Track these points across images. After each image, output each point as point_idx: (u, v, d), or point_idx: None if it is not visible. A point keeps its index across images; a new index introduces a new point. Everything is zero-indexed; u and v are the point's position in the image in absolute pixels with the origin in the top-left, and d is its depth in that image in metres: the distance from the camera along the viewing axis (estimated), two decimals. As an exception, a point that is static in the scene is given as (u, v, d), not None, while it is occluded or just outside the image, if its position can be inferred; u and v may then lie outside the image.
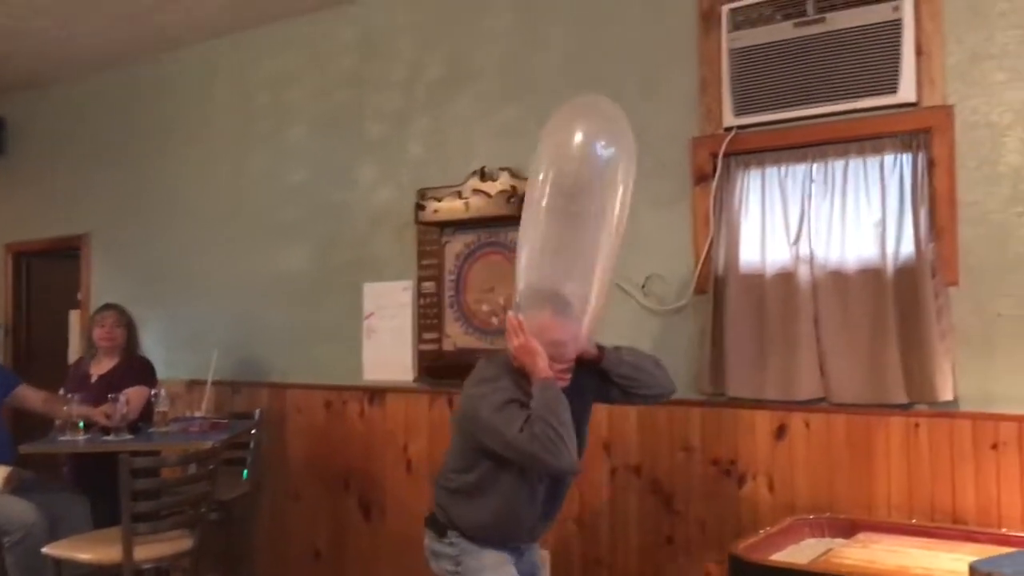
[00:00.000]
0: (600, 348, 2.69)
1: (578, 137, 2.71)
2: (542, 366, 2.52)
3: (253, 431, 4.51)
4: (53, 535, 3.76)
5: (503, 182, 3.95)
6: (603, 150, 2.70)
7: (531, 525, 2.71)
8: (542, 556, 3.08)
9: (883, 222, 3.13)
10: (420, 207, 4.13)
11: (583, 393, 2.69)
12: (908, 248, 3.08)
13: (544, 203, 2.65)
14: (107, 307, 4.50)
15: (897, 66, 3.07)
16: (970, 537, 2.81)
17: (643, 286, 3.61)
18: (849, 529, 2.96)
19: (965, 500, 2.95)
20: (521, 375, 2.57)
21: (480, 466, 2.62)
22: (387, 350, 4.37)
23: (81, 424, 3.85)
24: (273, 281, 4.83)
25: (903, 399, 3.05)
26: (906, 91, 3.06)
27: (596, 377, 2.72)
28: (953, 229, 3.02)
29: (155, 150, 5.44)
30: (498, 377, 2.60)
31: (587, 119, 2.77)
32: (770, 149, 3.33)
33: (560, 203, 2.62)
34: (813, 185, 3.26)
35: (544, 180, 2.67)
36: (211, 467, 3.65)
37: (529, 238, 2.69)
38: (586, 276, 2.61)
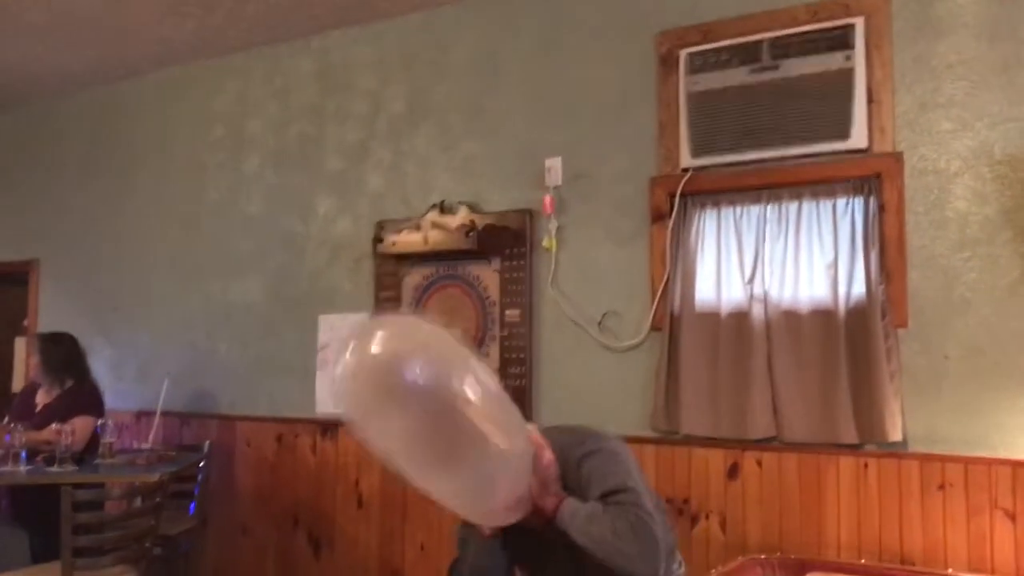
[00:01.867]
0: (560, 502, 2.01)
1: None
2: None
3: (201, 464, 4.42)
4: (-11, 569, 3.64)
5: (462, 216, 3.96)
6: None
7: None
8: None
9: (835, 264, 3.19)
10: (379, 239, 4.12)
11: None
12: (859, 289, 3.14)
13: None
14: (33, 336, 4.43)
15: (849, 113, 3.15)
16: (918, 577, 2.85)
17: (599, 322, 3.63)
18: (799, 569, 2.97)
19: (912, 540, 2.99)
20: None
21: None
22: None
23: (23, 454, 3.75)
24: (226, 312, 4.77)
25: (854, 439, 3.09)
26: (858, 137, 3.14)
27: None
28: (902, 272, 3.09)
29: (110, 178, 5.37)
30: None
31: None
32: (726, 190, 3.39)
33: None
34: (767, 226, 3.32)
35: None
36: (157, 500, 3.57)
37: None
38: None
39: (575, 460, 2.07)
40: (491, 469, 1.89)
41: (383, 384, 1.86)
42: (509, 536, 2.10)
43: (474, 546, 2.15)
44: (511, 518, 2.02)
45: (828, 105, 3.18)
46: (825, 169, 3.21)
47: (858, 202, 3.17)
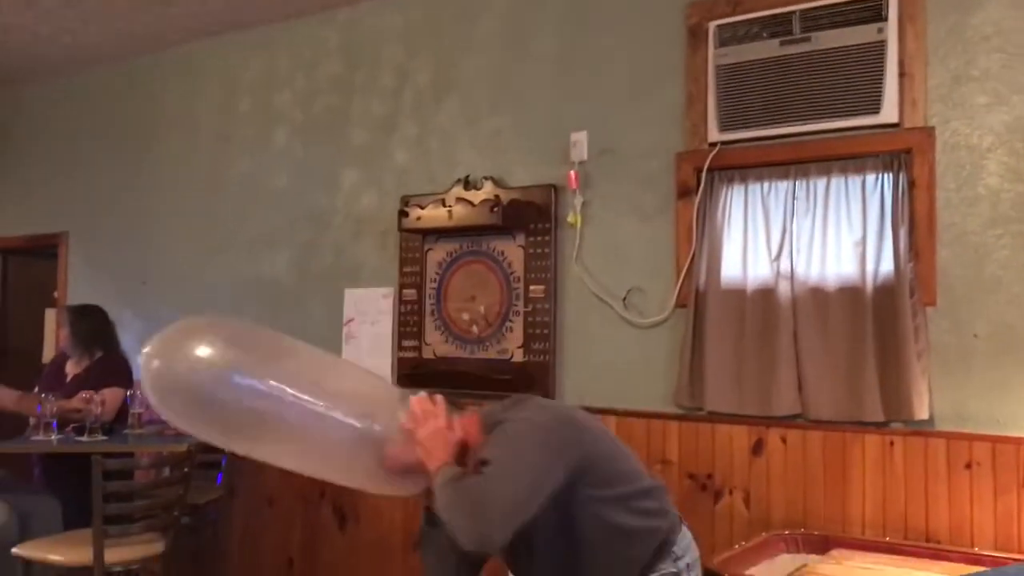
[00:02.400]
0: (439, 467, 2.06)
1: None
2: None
3: (229, 435, 4.47)
4: (23, 536, 3.71)
5: (487, 191, 3.95)
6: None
7: None
8: None
9: (863, 241, 3.15)
10: (403, 214, 4.12)
11: None
12: (887, 267, 3.10)
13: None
14: (64, 308, 4.49)
15: (880, 87, 3.10)
16: (942, 556, 2.83)
17: (624, 299, 3.62)
18: (823, 545, 2.97)
19: (938, 519, 2.97)
20: None
21: None
22: (366, 357, 4.35)
23: (55, 424, 3.81)
24: (253, 285, 4.81)
25: (879, 417, 3.07)
26: (888, 112, 3.09)
27: None
28: (932, 249, 3.05)
29: (137, 151, 5.41)
30: None
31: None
32: (754, 165, 3.36)
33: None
34: (795, 202, 3.29)
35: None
36: (185, 470, 3.62)
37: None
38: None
39: (490, 428, 2.12)
40: (326, 441, 2.13)
41: (180, 397, 2.11)
42: None
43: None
44: (412, 487, 2.16)
45: (859, 78, 3.13)
46: (855, 144, 3.17)
47: (888, 178, 3.13)
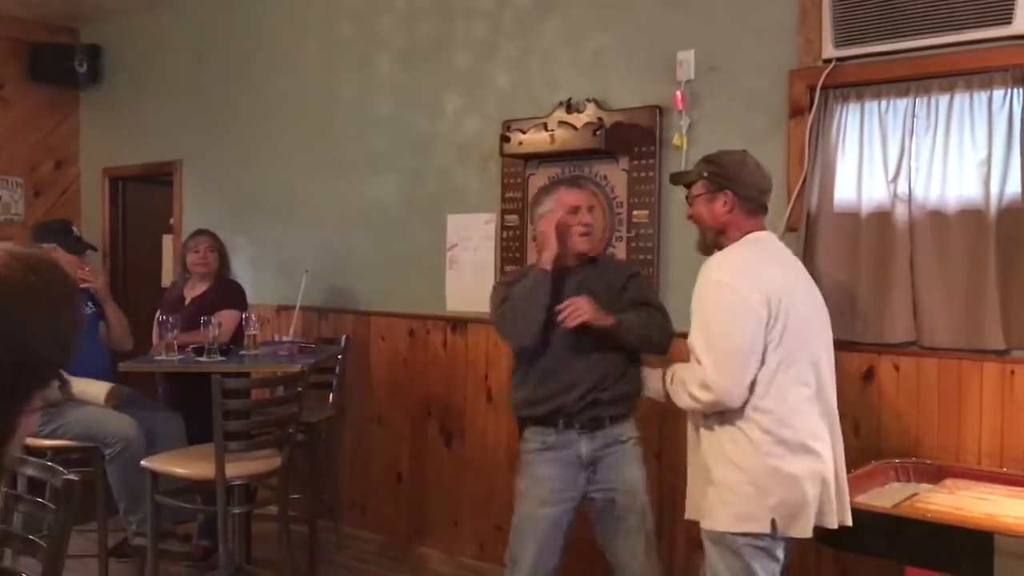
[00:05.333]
0: (616, 323, 2.91)
1: None
2: (543, 258, 3.00)
3: (339, 356, 4.62)
4: (150, 450, 3.93)
5: (589, 114, 3.89)
6: None
7: (570, 405, 2.97)
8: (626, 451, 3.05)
9: (988, 161, 3.00)
10: (505, 139, 4.09)
11: (599, 288, 3.02)
12: (1014, 188, 2.96)
13: None
14: (199, 233, 4.62)
15: (1013, -6, 2.90)
16: (1064, 488, 2.74)
17: (731, 223, 3.53)
18: (936, 475, 2.91)
19: (1061, 450, 2.86)
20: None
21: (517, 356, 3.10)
22: (469, 282, 4.40)
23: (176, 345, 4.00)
24: (360, 210, 4.89)
25: (1000, 345, 2.96)
26: (1021, 22, 2.89)
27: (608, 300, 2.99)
28: (1064, 169, 2.87)
29: (245, 77, 5.50)
30: (521, 276, 3.12)
31: None
32: (871, 83, 3.21)
33: None
34: (915, 121, 3.13)
35: None
36: (299, 389, 3.75)
37: None
38: None
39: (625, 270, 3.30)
40: None
41: None
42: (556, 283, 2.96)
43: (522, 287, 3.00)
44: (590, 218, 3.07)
45: (988, -13, 2.93)
46: (982, 57, 2.99)
47: (1017, 94, 2.95)
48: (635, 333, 2.94)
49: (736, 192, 2.60)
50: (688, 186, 2.74)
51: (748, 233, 2.63)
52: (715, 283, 2.54)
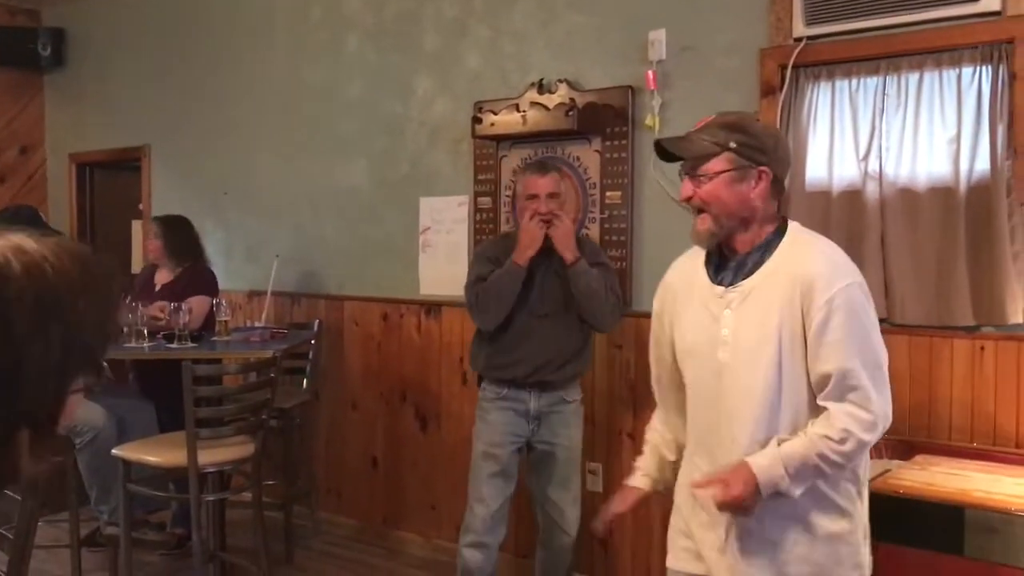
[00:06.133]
0: (577, 258, 3.21)
1: None
2: (524, 255, 3.21)
3: (312, 341, 4.59)
4: (121, 438, 3.89)
5: (561, 95, 3.87)
6: None
7: (520, 376, 3.31)
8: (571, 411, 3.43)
9: (957, 138, 3.01)
10: (477, 120, 4.06)
11: (561, 273, 3.27)
12: (983, 166, 2.97)
13: None
14: (152, 219, 4.58)
15: (981, -28, 2.90)
16: (1033, 462, 2.77)
17: (703, 203, 3.53)
18: (907, 451, 2.93)
19: (1030, 425, 2.89)
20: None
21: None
22: (443, 265, 4.38)
23: (146, 332, 3.94)
24: (331, 194, 4.85)
25: (970, 321, 2.98)
26: (989, -1, 2.91)
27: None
28: (1032, 146, 2.89)
29: (214, 61, 5.43)
30: (502, 251, 3.35)
31: None
32: (842, 61, 3.21)
33: None
34: (885, 99, 3.14)
35: None
36: (271, 375, 3.72)
37: None
38: None
39: (593, 253, 3.38)
40: None
41: None
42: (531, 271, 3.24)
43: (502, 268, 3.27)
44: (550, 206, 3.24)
45: (957, -37, 2.94)
46: (951, 35, 3.00)
47: (986, 71, 2.95)
48: (586, 280, 3.18)
49: (774, 171, 2.04)
50: (696, 160, 2.06)
51: (783, 221, 2.11)
52: (851, 287, 1.95)
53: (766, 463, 1.91)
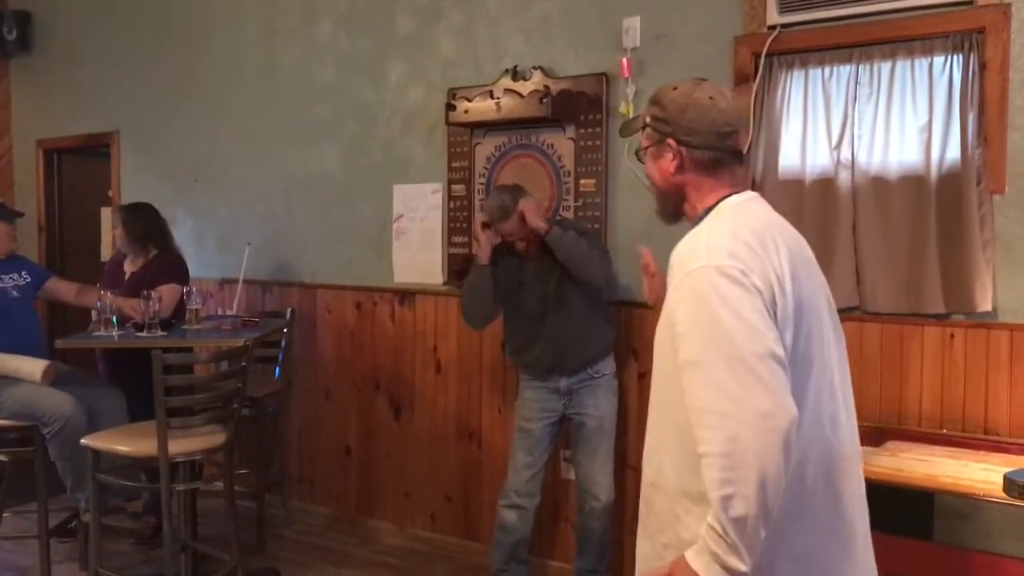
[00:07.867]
0: (549, 225, 3.35)
1: None
2: (483, 254, 3.47)
3: (285, 330, 4.55)
4: (91, 428, 3.84)
5: (536, 82, 3.85)
6: None
7: (540, 362, 3.53)
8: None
9: (929, 127, 3.03)
10: (450, 107, 4.04)
11: (552, 268, 3.42)
12: (953, 154, 2.99)
13: None
14: (115, 208, 4.53)
15: (953, -39, 2.92)
16: (1001, 448, 2.81)
17: (677, 190, 3.53)
18: (878, 438, 2.96)
19: (998, 411, 2.93)
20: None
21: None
22: (416, 253, 4.36)
23: (115, 320, 3.89)
24: (303, 181, 4.80)
25: (940, 309, 3.01)
26: (961, -12, 2.92)
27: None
28: (1002, 135, 2.92)
29: (183, 45, 5.35)
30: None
31: None
32: (815, 49, 3.22)
33: None
34: (858, 87, 3.15)
35: None
36: (243, 364, 3.68)
37: None
38: None
39: (572, 226, 3.46)
40: None
41: None
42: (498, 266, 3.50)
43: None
44: (515, 233, 3.40)
45: (930, -47, 2.95)
46: (923, 24, 3.01)
47: (957, 60, 2.97)
48: (567, 242, 3.29)
49: (680, 140, 1.79)
50: (633, 140, 1.99)
51: (722, 198, 1.81)
52: (704, 269, 1.65)
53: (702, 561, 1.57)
